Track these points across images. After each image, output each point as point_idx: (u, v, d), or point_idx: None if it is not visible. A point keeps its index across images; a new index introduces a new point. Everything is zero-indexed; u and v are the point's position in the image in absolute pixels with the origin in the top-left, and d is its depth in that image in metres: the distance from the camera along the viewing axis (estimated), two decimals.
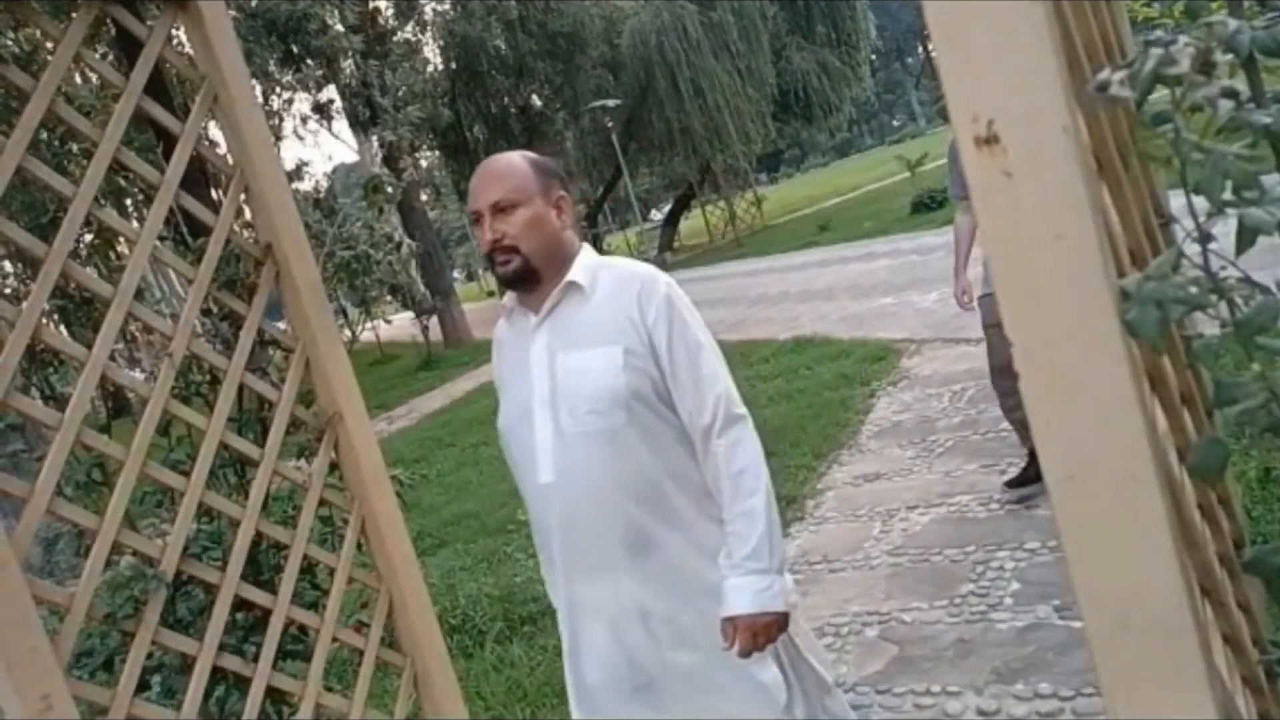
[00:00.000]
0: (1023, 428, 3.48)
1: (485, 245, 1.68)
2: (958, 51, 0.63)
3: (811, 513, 4.21)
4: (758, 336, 8.80)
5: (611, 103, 21.47)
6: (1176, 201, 1.06)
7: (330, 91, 18.78)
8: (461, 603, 3.88)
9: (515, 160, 1.72)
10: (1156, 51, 0.60)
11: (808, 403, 5.97)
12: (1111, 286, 0.64)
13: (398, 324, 17.21)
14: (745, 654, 1.58)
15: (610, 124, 21.87)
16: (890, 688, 2.65)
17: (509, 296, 1.79)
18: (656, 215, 36.26)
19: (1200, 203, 0.66)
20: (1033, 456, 3.52)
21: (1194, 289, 0.68)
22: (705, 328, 1.69)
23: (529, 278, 1.67)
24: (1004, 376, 3.47)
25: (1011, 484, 3.59)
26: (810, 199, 29.30)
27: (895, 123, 71.73)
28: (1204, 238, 0.69)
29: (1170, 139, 0.63)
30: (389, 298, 15.32)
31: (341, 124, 19.95)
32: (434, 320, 17.49)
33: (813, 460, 4.86)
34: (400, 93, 17.67)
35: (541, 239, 1.66)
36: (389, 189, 13.69)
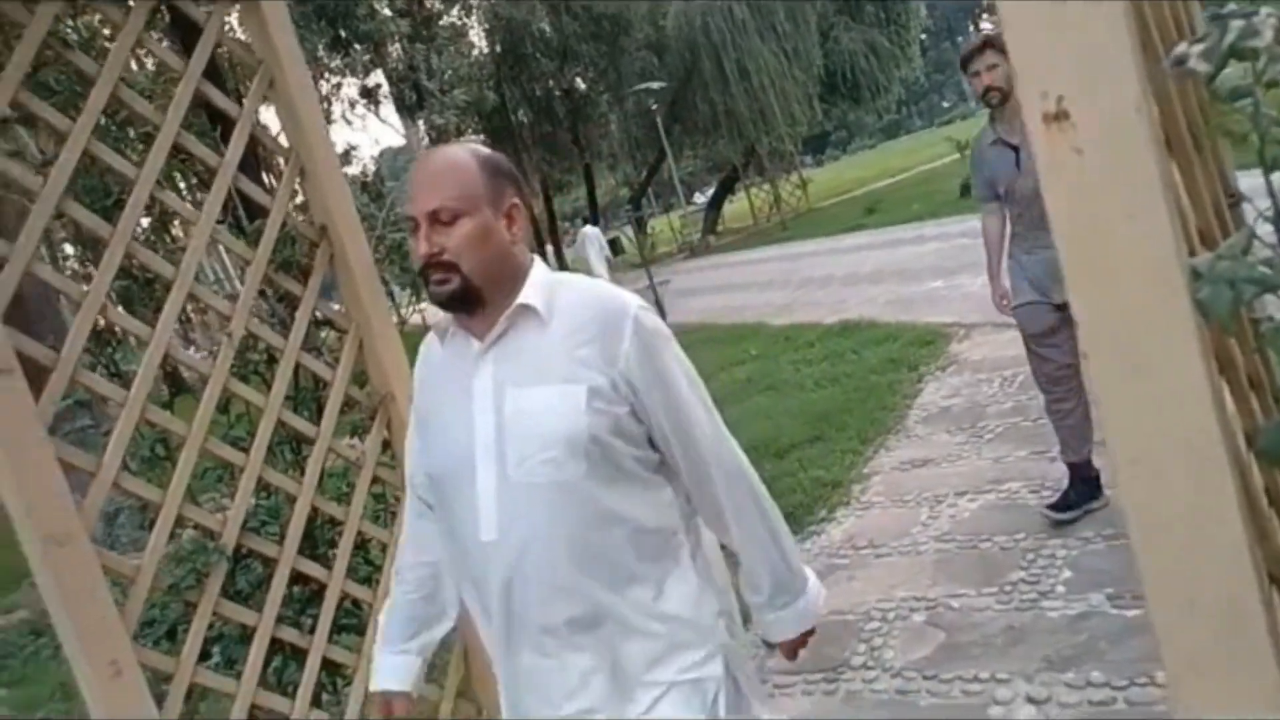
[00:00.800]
0: (1073, 437, 3.36)
1: (419, 259, 1.41)
2: (1027, 27, 0.62)
3: (858, 497, 4.19)
4: (803, 320, 8.73)
5: (656, 85, 21.35)
6: (1246, 182, 1.03)
7: (378, 76, 18.97)
8: None
9: (463, 159, 1.44)
10: (1237, 24, 0.59)
11: (854, 387, 5.92)
12: (1183, 266, 0.63)
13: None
14: (793, 659, 1.61)
15: (654, 106, 21.77)
16: (937, 673, 2.63)
17: (444, 316, 1.51)
18: (700, 198, 36.10)
19: (1278, 180, 0.64)
20: (1072, 474, 3.34)
21: (1267, 270, 0.66)
22: (683, 355, 1.49)
23: (469, 300, 1.42)
24: (1054, 385, 3.34)
25: (1054, 507, 3.34)
26: (857, 181, 28.94)
27: (945, 104, 70.39)
28: (1279, 217, 0.67)
29: (1249, 114, 0.61)
30: None
31: (388, 108, 20.18)
32: None
33: (859, 445, 4.82)
34: (446, 76, 17.77)
35: (486, 256, 1.41)
36: None
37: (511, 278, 1.45)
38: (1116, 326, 0.63)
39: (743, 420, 5.58)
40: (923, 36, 32.44)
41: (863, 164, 41.69)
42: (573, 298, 1.46)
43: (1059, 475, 3.66)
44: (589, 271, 21.76)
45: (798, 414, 5.65)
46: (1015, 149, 3.27)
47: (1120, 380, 0.64)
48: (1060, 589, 2.84)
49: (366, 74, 19.12)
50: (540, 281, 1.46)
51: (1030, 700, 2.38)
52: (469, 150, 1.48)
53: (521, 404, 1.40)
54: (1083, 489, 3.31)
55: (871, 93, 24.61)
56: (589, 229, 24.04)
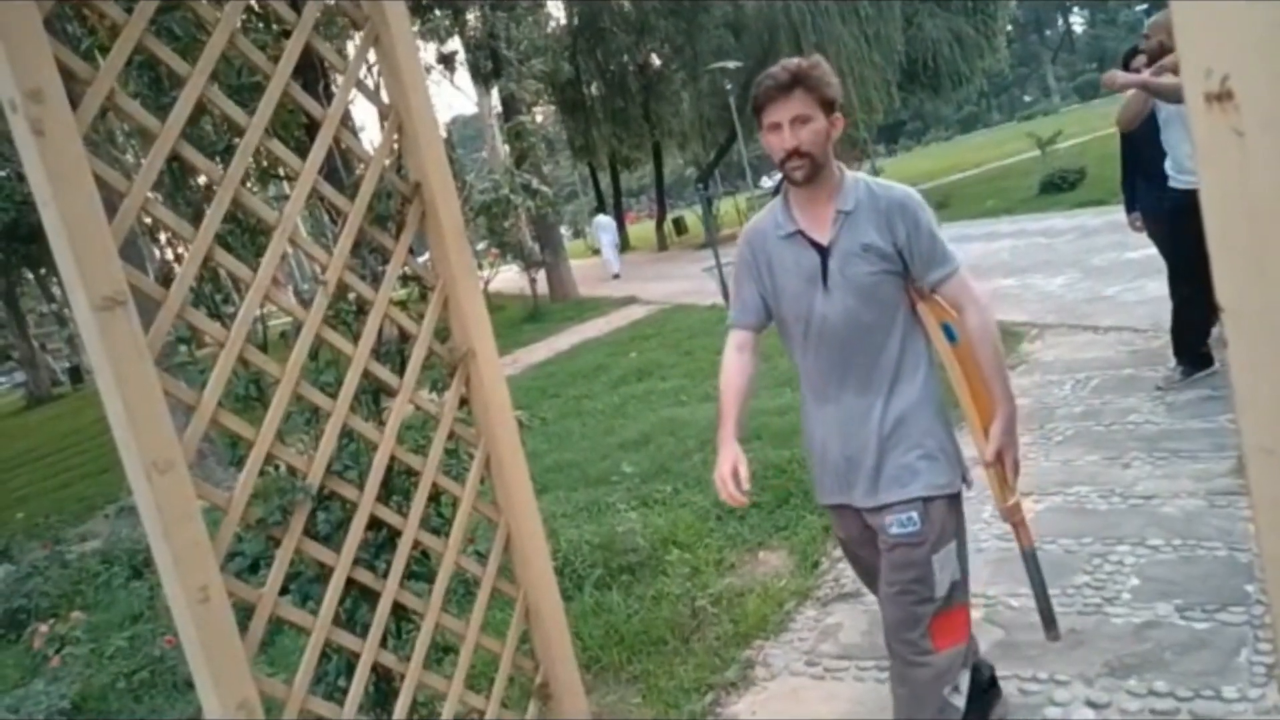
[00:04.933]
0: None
1: None
2: (1195, 2, 0.61)
3: None
4: None
5: (731, 65, 21.13)
6: None
7: (454, 43, 19.09)
8: (562, 547, 3.98)
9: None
10: None
11: None
12: None
13: (504, 276, 17.51)
14: None
15: (729, 86, 21.57)
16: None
17: None
18: (767, 182, 35.77)
19: None
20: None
21: None
22: None
23: None
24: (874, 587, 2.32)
25: None
26: (929, 173, 28.34)
27: (1026, 98, 68.50)
28: None
29: None
30: (495, 250, 15.62)
31: (462, 75, 20.30)
32: (541, 274, 17.76)
33: None
34: (523, 46, 17.84)
35: None
36: (531, 138, 13.95)
37: None
38: (1264, 310, 0.62)
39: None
40: (1009, 28, 31.57)
41: (936, 156, 40.82)
42: None
43: (1130, 481, 3.59)
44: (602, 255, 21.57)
45: None
46: (823, 251, 2.06)
47: (1260, 365, 0.63)
48: (1126, 596, 2.79)
49: (444, 40, 19.28)
50: None
51: (1089, 704, 2.35)
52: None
53: None
54: None
55: (952, 83, 24.08)
56: (601, 218, 24.03)
